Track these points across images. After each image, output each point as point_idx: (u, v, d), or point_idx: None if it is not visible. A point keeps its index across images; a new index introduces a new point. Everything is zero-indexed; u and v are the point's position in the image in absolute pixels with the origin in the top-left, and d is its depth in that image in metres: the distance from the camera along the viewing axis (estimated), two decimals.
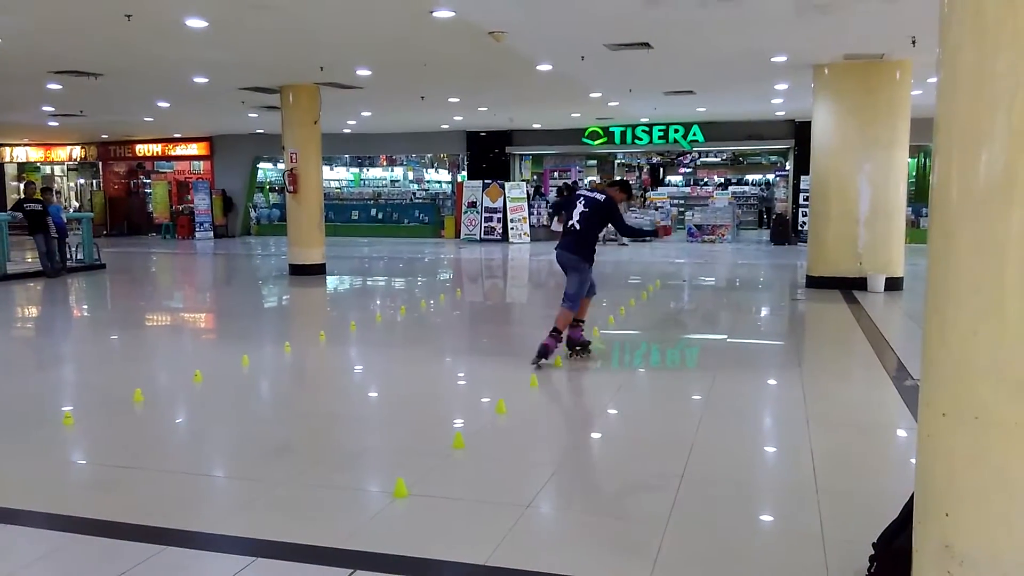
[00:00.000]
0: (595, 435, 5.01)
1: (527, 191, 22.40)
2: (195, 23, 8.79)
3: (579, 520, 3.66)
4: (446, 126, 22.23)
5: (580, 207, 6.60)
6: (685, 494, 3.84)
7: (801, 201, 19.84)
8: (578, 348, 6.88)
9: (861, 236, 11.27)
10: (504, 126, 22.48)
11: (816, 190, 11.82)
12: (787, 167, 22.97)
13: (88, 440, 5.00)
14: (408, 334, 8.97)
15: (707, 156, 28.37)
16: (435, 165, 30.55)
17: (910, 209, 16.00)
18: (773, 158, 27.61)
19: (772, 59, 11.30)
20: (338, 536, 3.39)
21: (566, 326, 6.61)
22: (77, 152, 27.15)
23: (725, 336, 8.65)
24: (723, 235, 21.06)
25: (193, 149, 25.83)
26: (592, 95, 15.46)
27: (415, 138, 24.27)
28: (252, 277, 15.48)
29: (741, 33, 9.57)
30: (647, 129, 22.03)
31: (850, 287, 11.13)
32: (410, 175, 29.93)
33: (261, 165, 26.56)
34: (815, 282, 11.58)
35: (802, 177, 19.63)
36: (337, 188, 27.70)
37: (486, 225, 21.97)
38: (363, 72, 12.38)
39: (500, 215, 21.81)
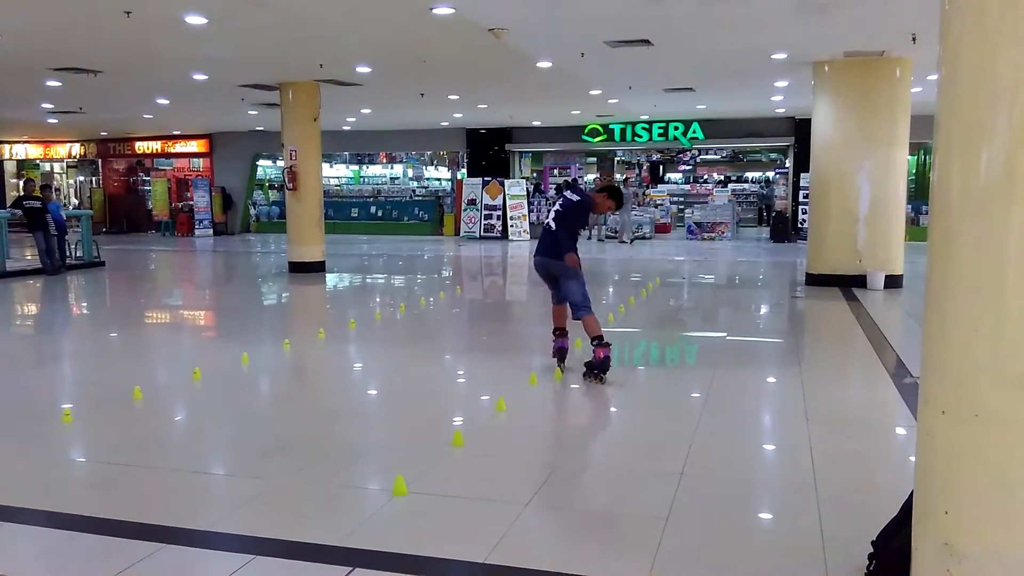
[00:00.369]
0: (594, 432, 5.01)
1: (527, 188, 22.39)
2: (195, 20, 8.77)
3: (578, 518, 3.66)
4: (446, 123, 22.21)
5: (557, 206, 6.23)
6: (684, 492, 3.84)
7: (801, 198, 19.84)
8: (561, 357, 6.39)
9: (861, 234, 11.26)
10: (504, 123, 22.46)
11: (816, 187, 11.81)
12: (787, 164, 22.94)
13: (87, 438, 5.00)
14: (407, 332, 8.96)
15: (707, 153, 28.34)
16: (435, 162, 30.52)
17: (910, 207, 16.00)
18: (773, 155, 27.58)
19: (772, 56, 11.28)
20: (337, 534, 3.39)
21: (597, 328, 6.05)
22: (76, 149, 27.13)
23: (724, 334, 8.64)
24: (723, 233, 21.05)
25: (193, 146, 25.80)
26: (592, 92, 15.44)
27: (415, 135, 24.25)
28: (251, 275, 15.47)
29: (741, 30, 9.56)
30: (647, 126, 22.00)
31: (850, 285, 11.13)
32: (410, 172, 29.91)
33: (261, 162, 26.53)
34: (815, 280, 11.58)
35: (802, 174, 19.60)
36: (337, 185, 27.67)
37: (486, 223, 21.96)
38: (363, 69, 12.37)
39: (500, 212, 21.80)
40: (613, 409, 5.54)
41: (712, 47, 10.76)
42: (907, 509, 2.73)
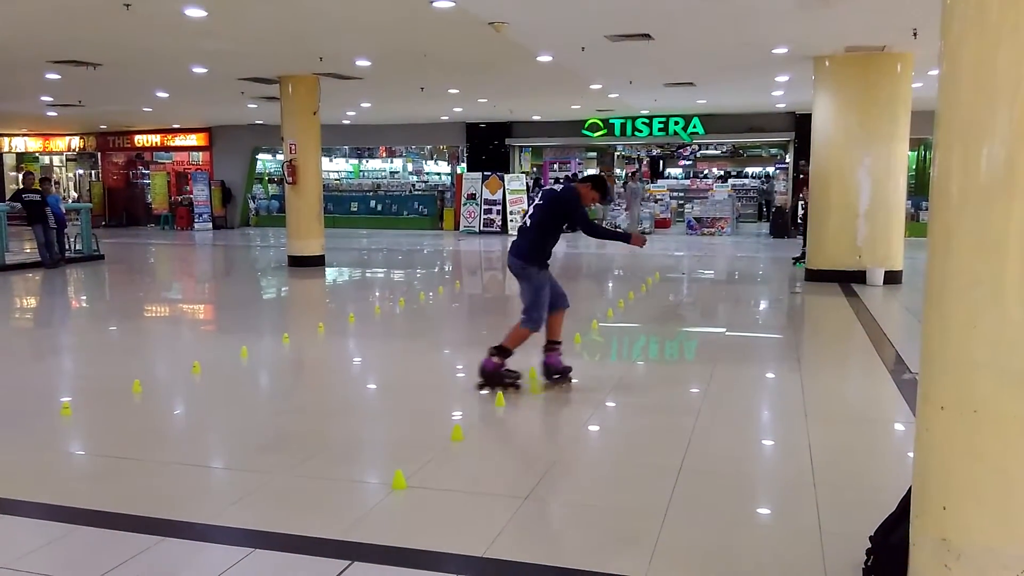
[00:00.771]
0: (593, 427, 5.01)
1: (527, 183, 22.37)
2: (194, 12, 8.75)
3: (577, 512, 3.66)
4: (446, 117, 22.18)
5: (537, 200, 5.60)
6: (683, 487, 3.85)
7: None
8: (556, 376, 5.74)
9: (861, 229, 11.25)
10: (504, 118, 22.43)
11: (816, 183, 11.80)
12: (787, 160, 22.93)
13: (86, 431, 5.00)
14: (407, 326, 8.96)
15: (707, 148, 28.30)
16: (434, 157, 30.49)
17: (910, 203, 15.98)
18: (773, 151, 27.55)
19: (773, 51, 11.26)
20: (337, 528, 3.39)
21: (516, 343, 5.50)
22: (76, 142, 27.09)
23: (724, 329, 8.64)
24: (723, 228, 21.04)
25: (192, 140, 25.77)
26: (592, 87, 15.42)
27: (414, 129, 24.22)
28: (251, 268, 15.47)
29: (742, 24, 9.54)
30: (647, 121, 21.99)
31: (849, 280, 11.12)
32: (409, 167, 29.86)
33: (260, 156, 26.49)
34: (814, 275, 11.58)
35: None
36: (336, 179, 27.65)
37: (485, 217, 21.94)
38: (362, 63, 12.34)
39: (499, 207, 21.79)
40: (611, 404, 5.54)
41: (713, 41, 10.73)
42: (905, 505, 2.73)
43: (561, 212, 5.46)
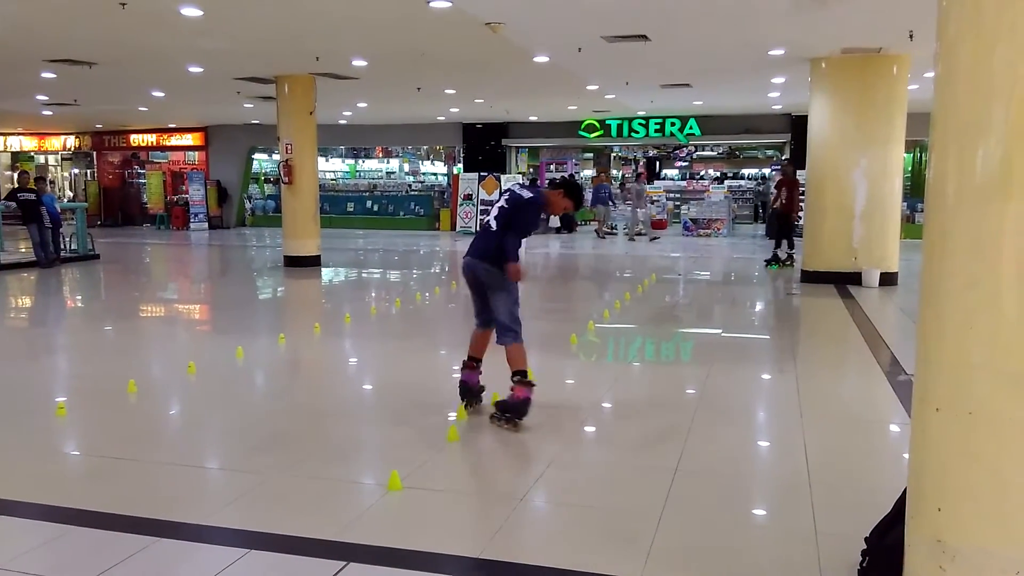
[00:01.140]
0: (589, 428, 5.01)
1: (522, 183, 22.36)
2: (190, 11, 8.73)
3: (573, 513, 3.66)
4: (442, 118, 22.17)
5: (501, 201, 5.07)
6: (679, 487, 3.85)
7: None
8: (469, 395, 5.19)
9: (856, 231, 11.27)
10: (500, 118, 22.44)
11: (812, 185, 11.82)
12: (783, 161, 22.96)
13: (81, 431, 4.98)
14: (403, 326, 8.95)
15: (703, 150, 28.33)
16: (431, 157, 30.47)
17: (905, 204, 16.03)
18: (769, 152, 27.60)
19: (769, 52, 11.28)
20: (332, 528, 3.39)
21: (525, 361, 4.94)
22: (71, 142, 27.02)
23: (720, 330, 8.65)
24: (719, 229, 21.06)
25: (188, 139, 25.72)
26: (589, 87, 15.43)
27: (411, 130, 24.21)
28: (247, 269, 15.44)
29: (739, 26, 9.55)
30: (644, 122, 22.01)
31: (845, 282, 11.14)
32: (406, 167, 29.84)
33: (256, 156, 26.46)
34: (810, 277, 11.60)
35: (798, 172, 19.60)
36: (332, 179, 27.61)
37: (481, 218, 21.94)
38: (359, 62, 12.33)
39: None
40: (608, 405, 5.54)
41: (709, 43, 10.75)
42: (900, 506, 2.74)
43: (525, 219, 4.96)
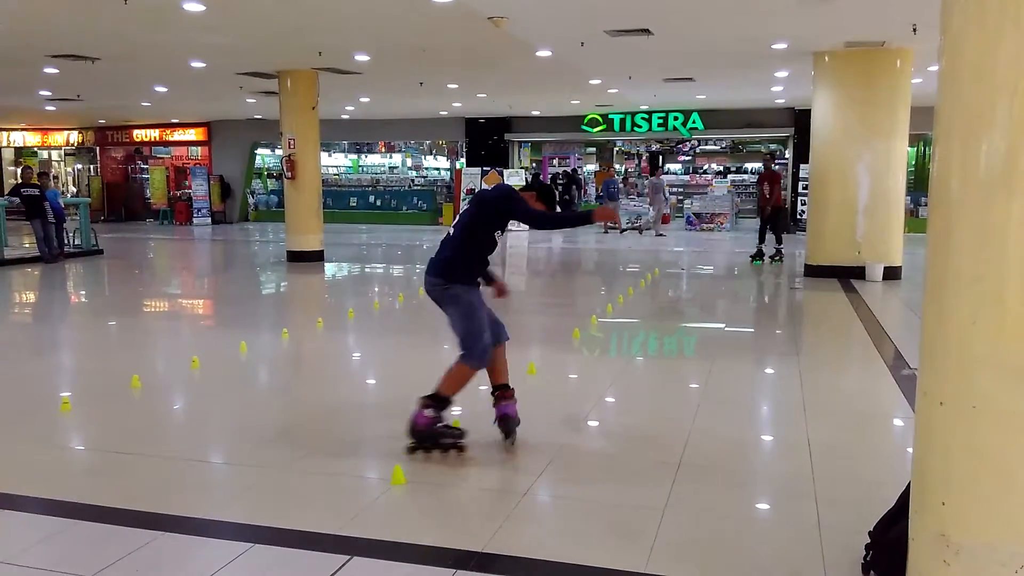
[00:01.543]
0: (592, 423, 5.01)
1: (526, 178, 22.36)
2: (192, 7, 8.73)
3: (576, 507, 3.66)
4: (445, 112, 22.15)
5: (465, 204, 4.49)
6: (682, 482, 3.85)
7: (800, 190, 19.83)
8: (508, 428, 4.40)
9: (860, 225, 11.26)
10: (503, 113, 22.41)
11: (815, 179, 11.80)
12: (786, 156, 22.92)
13: (85, 426, 5.00)
14: (406, 321, 8.96)
15: (706, 144, 28.30)
16: (434, 152, 30.46)
17: (909, 198, 15.98)
18: (772, 146, 27.55)
19: (772, 46, 11.25)
20: (336, 522, 3.39)
21: (456, 388, 4.29)
22: (74, 137, 27.04)
23: (723, 325, 8.65)
24: (722, 223, 21.04)
25: (191, 134, 25.73)
26: (592, 82, 15.40)
27: (414, 124, 24.19)
28: (250, 263, 15.46)
29: (741, 19, 9.52)
30: (646, 116, 21.97)
31: (848, 276, 11.13)
32: (408, 162, 29.84)
33: (259, 151, 26.47)
34: (813, 271, 11.58)
35: (801, 166, 19.60)
36: (335, 174, 27.62)
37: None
38: (361, 57, 12.32)
39: None
40: (611, 400, 5.54)
41: (712, 37, 10.72)
42: (904, 500, 2.74)
43: (493, 213, 4.27)
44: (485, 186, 4.51)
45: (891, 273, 11.16)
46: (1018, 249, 2.17)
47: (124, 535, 3.27)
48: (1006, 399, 2.22)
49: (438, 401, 4.22)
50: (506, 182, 21.41)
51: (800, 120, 19.47)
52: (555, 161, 27.21)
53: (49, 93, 17.32)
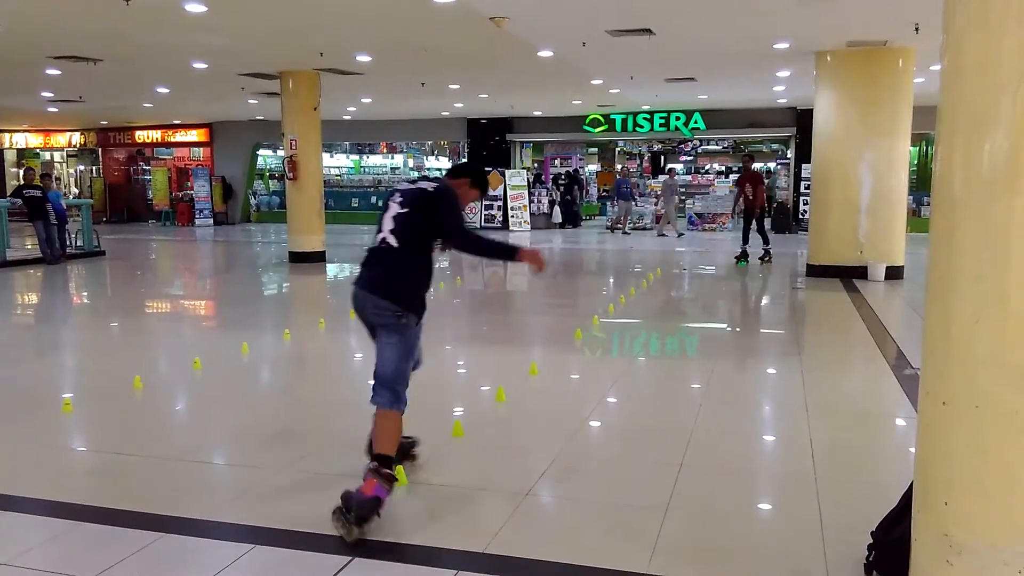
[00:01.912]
0: (594, 423, 5.01)
1: (527, 179, 22.37)
2: (194, 8, 8.74)
3: (578, 508, 3.65)
4: (446, 113, 22.16)
5: (394, 207, 3.62)
6: (684, 482, 3.84)
7: (802, 189, 19.81)
8: (356, 514, 3.21)
9: (862, 225, 11.25)
10: (505, 113, 22.41)
11: (817, 178, 11.79)
12: (788, 155, 22.90)
13: (87, 427, 5.00)
14: None
15: (708, 144, 28.27)
16: (435, 152, 30.47)
17: (911, 198, 15.97)
18: (774, 146, 27.52)
19: (774, 45, 11.24)
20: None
21: (395, 438, 3.60)
22: (77, 138, 27.09)
23: (725, 325, 8.64)
24: (724, 223, 21.02)
25: (193, 136, 25.76)
26: (593, 82, 15.40)
27: (415, 125, 24.20)
28: (252, 264, 15.47)
29: (743, 19, 9.52)
30: (648, 116, 21.96)
31: (851, 276, 11.12)
32: (410, 162, 29.85)
33: (261, 152, 26.50)
34: (815, 271, 11.57)
35: (803, 165, 19.58)
36: (337, 175, 27.64)
37: (486, 213, 21.93)
38: (363, 58, 12.32)
39: (500, 203, 21.77)
40: (613, 400, 5.54)
41: (714, 36, 10.71)
42: (907, 500, 2.73)
43: (434, 220, 3.59)
44: (413, 185, 3.75)
45: (893, 273, 11.15)
46: (1021, 248, 2.16)
47: (126, 536, 3.27)
48: (1009, 398, 2.21)
49: (386, 464, 3.40)
50: (508, 182, 21.47)
51: (802, 120, 19.45)
52: (557, 161, 27.21)
53: (51, 94, 17.34)
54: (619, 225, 20.70)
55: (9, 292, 11.53)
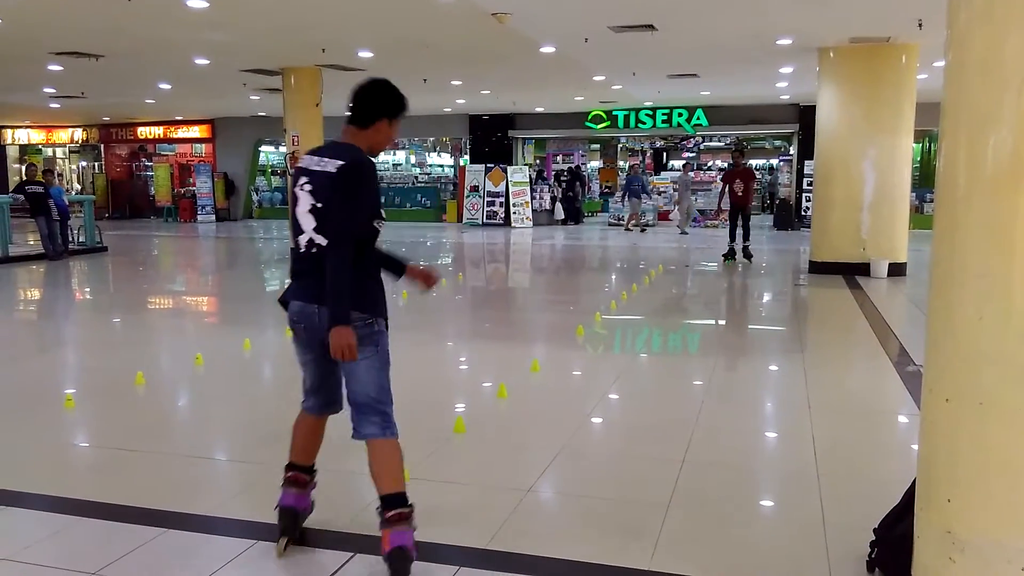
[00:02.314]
0: (596, 420, 5.01)
1: (529, 175, 22.36)
2: (196, 3, 8.73)
3: (580, 504, 3.65)
4: (449, 109, 22.15)
5: (305, 198, 2.91)
6: (686, 479, 3.84)
7: (805, 186, 19.78)
8: (293, 525, 3.16)
9: (865, 222, 11.23)
10: (507, 109, 22.39)
11: (820, 175, 11.77)
12: (791, 152, 22.87)
13: (89, 423, 5.00)
14: (409, 318, 8.94)
15: (711, 140, 28.26)
16: (437, 149, 30.46)
17: (914, 195, 15.94)
18: (777, 143, 27.50)
19: (777, 41, 11.22)
20: (339, 520, 3.40)
21: (399, 471, 3.00)
22: (79, 134, 27.10)
23: (727, 321, 8.63)
24: (725, 220, 20.96)
25: (195, 132, 25.77)
26: (596, 78, 15.38)
27: (417, 121, 24.18)
28: (254, 260, 15.47)
29: (746, 15, 9.50)
30: (651, 113, 21.94)
31: (853, 273, 11.11)
32: (412, 159, 29.85)
33: (263, 148, 26.50)
34: (818, 267, 11.56)
35: (806, 162, 19.55)
36: None
37: (488, 209, 21.92)
38: (365, 54, 12.31)
39: (502, 199, 21.76)
40: (615, 396, 5.53)
41: (716, 32, 10.69)
42: (910, 497, 2.72)
43: (367, 198, 2.90)
44: (317, 165, 2.85)
45: (896, 270, 11.13)
46: None
47: (128, 532, 3.27)
48: (1012, 395, 2.21)
49: (400, 501, 2.94)
50: (510, 179, 21.43)
51: (805, 116, 19.43)
52: (559, 158, 27.18)
53: (53, 90, 17.35)
54: (636, 224, 20.39)
55: (11, 288, 11.55)
